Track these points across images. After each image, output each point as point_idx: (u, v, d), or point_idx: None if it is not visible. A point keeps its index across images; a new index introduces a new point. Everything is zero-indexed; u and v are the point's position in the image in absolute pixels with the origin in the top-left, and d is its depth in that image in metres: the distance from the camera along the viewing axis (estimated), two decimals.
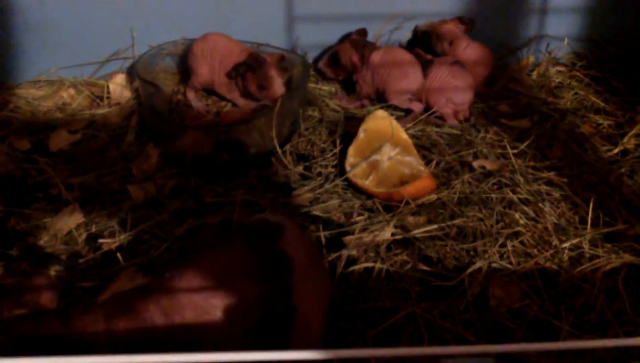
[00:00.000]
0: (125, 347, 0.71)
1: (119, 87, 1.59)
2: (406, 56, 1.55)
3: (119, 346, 0.71)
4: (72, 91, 1.59)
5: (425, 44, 1.65)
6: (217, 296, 0.75)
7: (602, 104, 1.59)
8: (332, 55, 1.60)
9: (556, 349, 0.82)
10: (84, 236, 1.16)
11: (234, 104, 1.56)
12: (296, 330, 0.78)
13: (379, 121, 1.36)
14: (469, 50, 1.62)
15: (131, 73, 1.62)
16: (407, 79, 1.52)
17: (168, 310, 0.73)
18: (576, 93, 1.65)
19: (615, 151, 1.42)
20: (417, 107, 1.54)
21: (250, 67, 1.46)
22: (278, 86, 1.47)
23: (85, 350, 0.70)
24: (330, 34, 1.67)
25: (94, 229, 1.18)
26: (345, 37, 1.62)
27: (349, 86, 1.63)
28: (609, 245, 1.15)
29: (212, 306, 0.74)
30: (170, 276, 0.78)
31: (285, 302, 0.78)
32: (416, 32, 1.69)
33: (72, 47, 1.61)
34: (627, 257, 1.11)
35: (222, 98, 1.58)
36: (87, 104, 1.57)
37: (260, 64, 1.46)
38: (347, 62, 1.57)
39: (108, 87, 1.59)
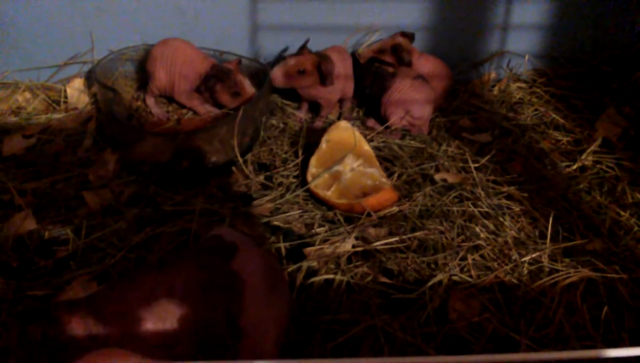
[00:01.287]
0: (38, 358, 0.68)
1: (76, 91, 1.55)
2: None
3: (32, 357, 0.68)
4: (27, 95, 1.55)
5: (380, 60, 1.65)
6: (149, 318, 0.72)
7: (561, 120, 1.61)
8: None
9: (517, 360, 0.82)
10: (36, 243, 1.12)
11: (195, 112, 1.53)
12: (243, 353, 0.76)
13: (342, 131, 1.35)
14: (422, 60, 1.63)
15: (89, 78, 1.58)
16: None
17: (93, 328, 0.70)
18: (536, 109, 1.67)
19: (574, 167, 1.44)
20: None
21: (219, 78, 1.45)
22: (249, 87, 1.46)
23: None
24: (293, 44, 1.66)
25: (46, 236, 1.14)
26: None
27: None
28: (567, 260, 1.16)
29: (143, 330, 0.71)
30: (104, 294, 0.75)
31: (231, 324, 0.76)
32: (359, 56, 1.68)
33: (29, 50, 1.57)
34: (586, 272, 1.11)
35: (182, 106, 1.55)
36: (43, 109, 1.53)
37: (227, 73, 1.45)
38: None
39: (65, 91, 1.55)
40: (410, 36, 1.65)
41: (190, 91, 1.49)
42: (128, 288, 0.75)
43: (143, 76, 1.58)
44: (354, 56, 1.64)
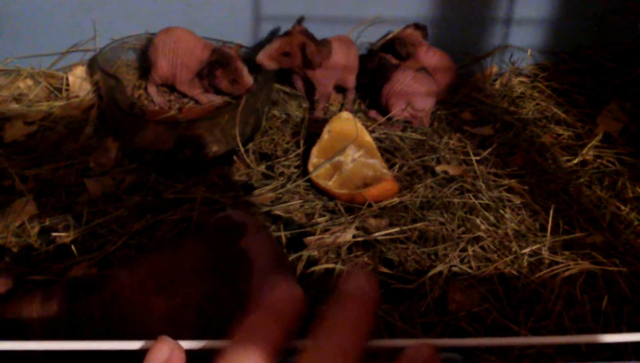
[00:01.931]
0: (58, 334, 0.69)
1: (78, 79, 1.55)
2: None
3: (51, 332, 0.69)
4: (29, 82, 1.55)
5: (390, 52, 1.66)
6: (159, 296, 0.72)
7: (562, 115, 1.61)
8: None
9: (516, 344, 0.83)
10: (37, 228, 1.12)
11: (196, 101, 1.53)
12: None
13: (344, 122, 1.35)
14: (430, 54, 1.63)
15: (92, 66, 1.58)
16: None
17: (107, 304, 0.71)
18: (538, 104, 1.67)
19: (575, 161, 1.44)
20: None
21: (219, 64, 1.44)
22: (247, 76, 1.45)
23: (18, 333, 0.68)
24: None
25: (47, 222, 1.14)
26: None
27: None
28: (567, 252, 1.16)
29: (153, 306, 0.72)
30: (115, 272, 0.75)
31: (239, 306, 0.76)
32: (375, 47, 1.68)
33: (31, 37, 1.57)
34: (585, 264, 1.12)
35: (184, 95, 1.55)
36: (44, 96, 1.53)
37: (228, 59, 1.44)
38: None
39: (67, 79, 1.55)
40: (422, 28, 1.65)
41: (191, 80, 1.49)
42: (138, 266, 0.75)
43: (145, 65, 1.58)
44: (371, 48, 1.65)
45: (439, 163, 1.39)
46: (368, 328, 0.30)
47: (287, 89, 1.63)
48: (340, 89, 1.62)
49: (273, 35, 1.67)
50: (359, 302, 0.30)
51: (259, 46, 1.66)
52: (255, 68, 1.48)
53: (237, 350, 0.29)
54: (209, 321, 0.73)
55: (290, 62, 1.49)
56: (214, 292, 0.75)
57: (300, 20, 1.49)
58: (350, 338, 0.29)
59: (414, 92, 1.50)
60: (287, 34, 1.48)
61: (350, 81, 1.59)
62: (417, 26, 1.65)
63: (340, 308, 0.30)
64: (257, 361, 0.28)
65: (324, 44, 1.48)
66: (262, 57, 1.46)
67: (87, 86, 1.55)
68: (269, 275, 0.80)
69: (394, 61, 1.59)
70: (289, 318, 0.31)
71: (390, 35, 1.67)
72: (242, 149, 1.34)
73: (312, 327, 0.30)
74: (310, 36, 1.48)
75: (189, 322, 0.73)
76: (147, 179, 1.27)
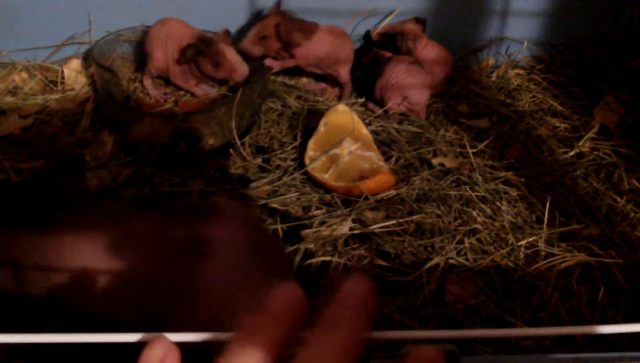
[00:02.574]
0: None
1: (73, 72, 1.54)
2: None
3: None
4: (24, 75, 1.54)
5: (387, 45, 1.65)
6: (100, 265, 0.69)
7: (559, 107, 1.61)
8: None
9: (513, 336, 0.83)
10: None
11: (192, 94, 1.53)
12: (196, 319, 0.71)
13: (340, 115, 1.35)
14: (429, 47, 1.63)
15: (87, 59, 1.57)
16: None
17: (44, 257, 0.68)
18: (534, 96, 1.67)
19: (571, 153, 1.44)
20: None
21: (198, 49, 1.42)
22: (232, 56, 1.42)
23: None
24: None
25: None
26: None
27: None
28: (564, 244, 1.16)
29: (92, 275, 0.69)
30: (54, 231, 0.72)
31: (182, 284, 0.71)
32: (370, 35, 1.68)
33: (26, 30, 1.56)
34: (582, 256, 1.12)
35: (180, 88, 1.54)
36: (40, 89, 1.52)
37: (208, 43, 1.41)
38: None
39: (62, 72, 1.54)
40: (422, 22, 1.65)
41: (184, 71, 1.48)
42: (79, 232, 0.72)
43: (141, 58, 1.57)
44: (369, 36, 1.66)
45: (435, 155, 1.39)
46: (364, 331, 0.30)
47: (287, 80, 1.63)
48: (337, 82, 1.61)
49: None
50: (356, 305, 0.31)
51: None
52: (250, 59, 1.47)
53: (238, 350, 0.29)
54: (143, 296, 0.70)
55: (267, 46, 1.48)
56: (153, 268, 0.71)
57: (278, 3, 1.49)
58: (346, 341, 0.29)
59: (407, 85, 1.50)
60: (264, 17, 1.48)
61: (343, 72, 1.58)
62: (417, 20, 1.65)
63: (337, 311, 0.31)
64: (258, 361, 0.29)
65: (304, 24, 1.48)
66: (244, 44, 1.46)
67: (82, 79, 1.54)
68: (237, 268, 0.74)
69: (388, 54, 1.58)
70: (291, 319, 0.31)
71: (388, 27, 1.67)
72: (238, 142, 1.34)
73: (310, 330, 0.30)
74: (286, 17, 1.47)
75: (125, 294, 0.69)
76: (143, 173, 1.27)
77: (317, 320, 0.31)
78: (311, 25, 1.50)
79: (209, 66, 1.43)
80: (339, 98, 1.62)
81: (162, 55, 1.46)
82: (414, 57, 1.57)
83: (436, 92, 1.62)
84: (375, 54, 1.58)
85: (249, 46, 1.46)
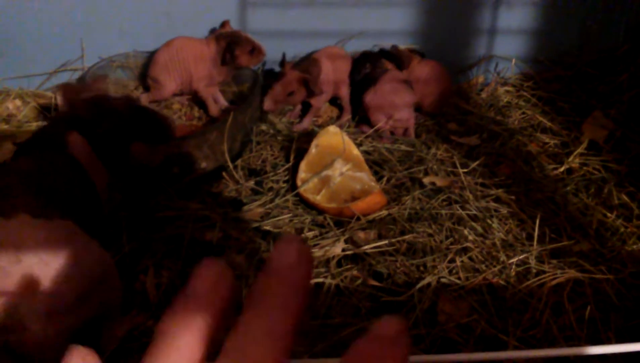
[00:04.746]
0: None
1: None
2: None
3: None
4: (18, 102, 1.55)
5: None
6: None
7: (548, 123, 1.63)
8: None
9: (505, 358, 0.84)
10: None
11: (204, 104, 1.56)
12: None
13: (331, 136, 1.36)
14: (422, 65, 1.64)
15: None
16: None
17: None
18: (523, 113, 1.69)
19: (561, 169, 1.45)
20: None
21: (234, 43, 1.50)
22: (255, 40, 1.53)
23: None
24: (282, 49, 1.68)
25: None
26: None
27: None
28: (554, 261, 1.17)
29: None
30: None
31: None
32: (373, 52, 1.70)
33: (19, 58, 1.58)
34: (572, 273, 1.13)
35: (194, 96, 1.58)
36: (33, 116, 1.53)
37: (236, 35, 1.51)
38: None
39: (56, 98, 1.56)
40: (420, 54, 1.68)
41: (208, 78, 1.54)
42: None
43: (133, 83, 1.59)
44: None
45: (426, 174, 1.40)
46: (299, 307, 0.26)
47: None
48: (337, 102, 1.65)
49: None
50: (289, 279, 0.27)
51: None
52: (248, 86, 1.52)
53: (163, 343, 0.26)
54: None
55: (293, 100, 1.54)
56: None
57: (283, 61, 1.54)
58: (279, 320, 0.26)
59: (390, 104, 1.51)
60: (282, 75, 1.51)
61: (343, 92, 1.61)
62: (413, 51, 1.68)
63: (268, 287, 0.27)
64: (188, 348, 0.26)
65: (313, 65, 1.51)
66: (268, 104, 1.50)
67: None
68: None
69: (390, 65, 1.60)
70: (219, 301, 0.27)
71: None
72: (230, 166, 1.35)
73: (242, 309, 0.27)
74: (302, 69, 1.52)
75: None
76: (137, 197, 1.27)
77: (249, 298, 0.27)
78: (316, 63, 1.55)
79: (246, 56, 1.52)
80: (338, 119, 1.64)
81: (176, 77, 1.52)
82: (408, 73, 1.59)
83: (431, 109, 1.63)
84: (377, 64, 1.59)
85: (274, 105, 1.52)
